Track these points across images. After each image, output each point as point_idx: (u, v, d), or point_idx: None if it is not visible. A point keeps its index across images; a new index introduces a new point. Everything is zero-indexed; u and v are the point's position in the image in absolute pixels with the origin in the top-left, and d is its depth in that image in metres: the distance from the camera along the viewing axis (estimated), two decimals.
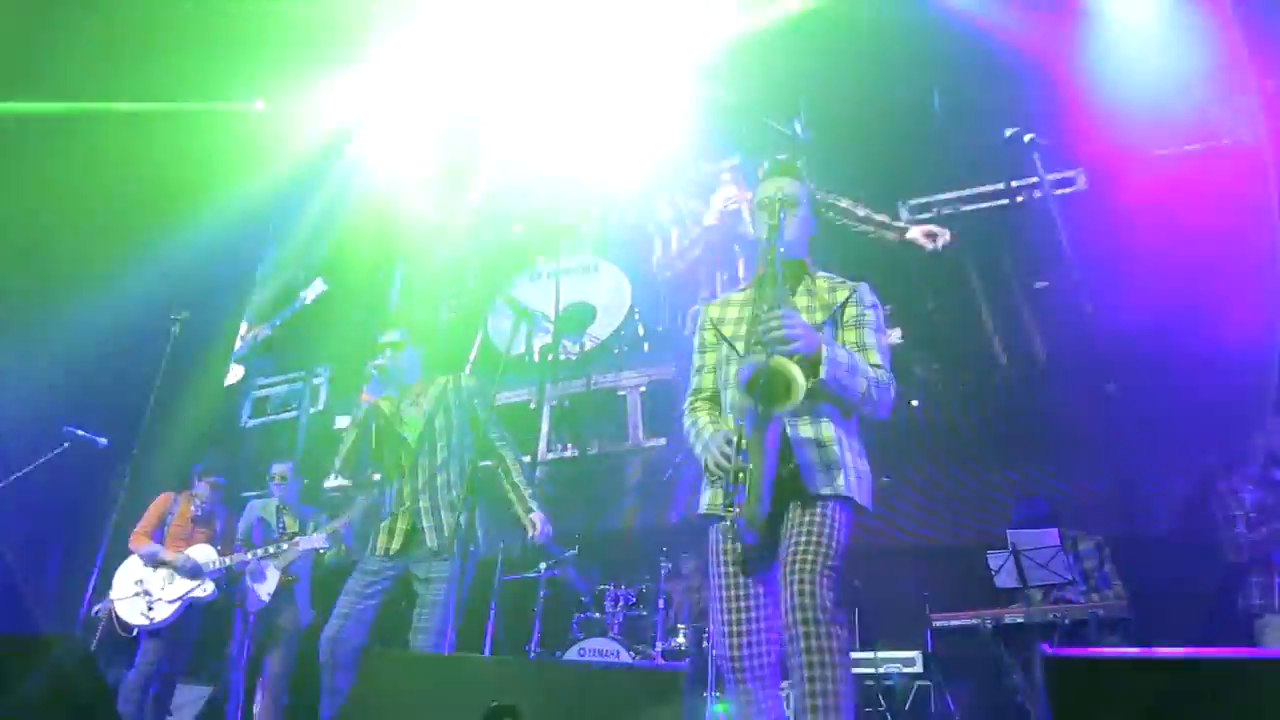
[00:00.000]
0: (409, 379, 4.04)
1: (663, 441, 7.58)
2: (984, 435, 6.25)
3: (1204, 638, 4.75)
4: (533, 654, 5.82)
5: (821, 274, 2.89)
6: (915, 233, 7.04)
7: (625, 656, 5.60)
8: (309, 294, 10.04)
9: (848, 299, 2.78)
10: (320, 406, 9.60)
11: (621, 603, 6.03)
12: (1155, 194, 6.02)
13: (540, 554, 6.32)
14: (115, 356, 6.90)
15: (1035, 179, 6.75)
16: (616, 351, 8.26)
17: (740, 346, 2.75)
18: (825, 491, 2.57)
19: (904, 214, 7.19)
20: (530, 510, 3.91)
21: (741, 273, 7.69)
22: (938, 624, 5.00)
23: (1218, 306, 5.58)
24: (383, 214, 10.02)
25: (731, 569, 2.64)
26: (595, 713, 2.09)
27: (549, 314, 8.71)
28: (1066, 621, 4.67)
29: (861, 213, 7.26)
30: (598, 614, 6.06)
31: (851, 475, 2.61)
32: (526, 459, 4.15)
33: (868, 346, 2.73)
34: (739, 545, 2.62)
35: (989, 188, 6.97)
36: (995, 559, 4.92)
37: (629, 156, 8.62)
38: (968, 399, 6.33)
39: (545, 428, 8.12)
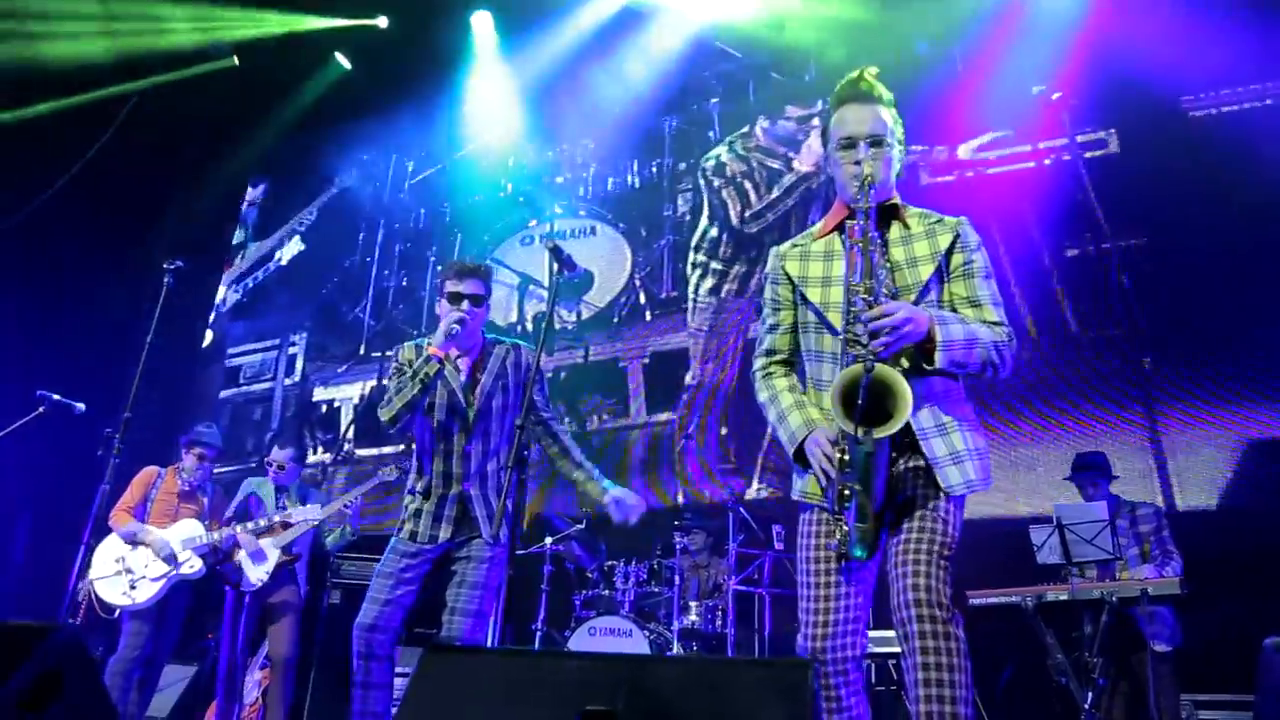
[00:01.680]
0: (472, 341, 3.60)
1: (667, 416, 7.25)
2: (1011, 410, 6.01)
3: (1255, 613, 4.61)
4: (539, 632, 5.57)
5: (913, 211, 2.54)
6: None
7: (640, 635, 5.40)
8: (285, 254, 9.56)
9: (952, 244, 2.44)
10: (295, 377, 9.16)
11: (632, 579, 5.82)
12: (1192, 157, 5.82)
13: (544, 529, 6.09)
14: (93, 316, 6.56)
15: (1064, 140, 6.45)
16: (616, 320, 7.90)
17: (833, 319, 2.42)
18: (960, 490, 2.31)
19: (924, 176, 6.93)
20: (607, 490, 3.56)
21: (793, 228, 7.39)
22: (974, 602, 4.73)
23: (1261, 276, 5.36)
24: (366, 171, 9.62)
25: (823, 560, 2.42)
26: (706, 717, 1.78)
27: (542, 280, 8.37)
28: (1114, 599, 4.42)
29: None
30: (606, 591, 5.85)
31: (975, 459, 2.34)
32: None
33: (981, 301, 2.43)
34: (830, 537, 2.40)
35: (1015, 149, 6.72)
36: (1038, 533, 4.71)
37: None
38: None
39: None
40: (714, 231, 7.81)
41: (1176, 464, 5.55)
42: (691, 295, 7.64)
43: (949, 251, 2.45)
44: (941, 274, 2.44)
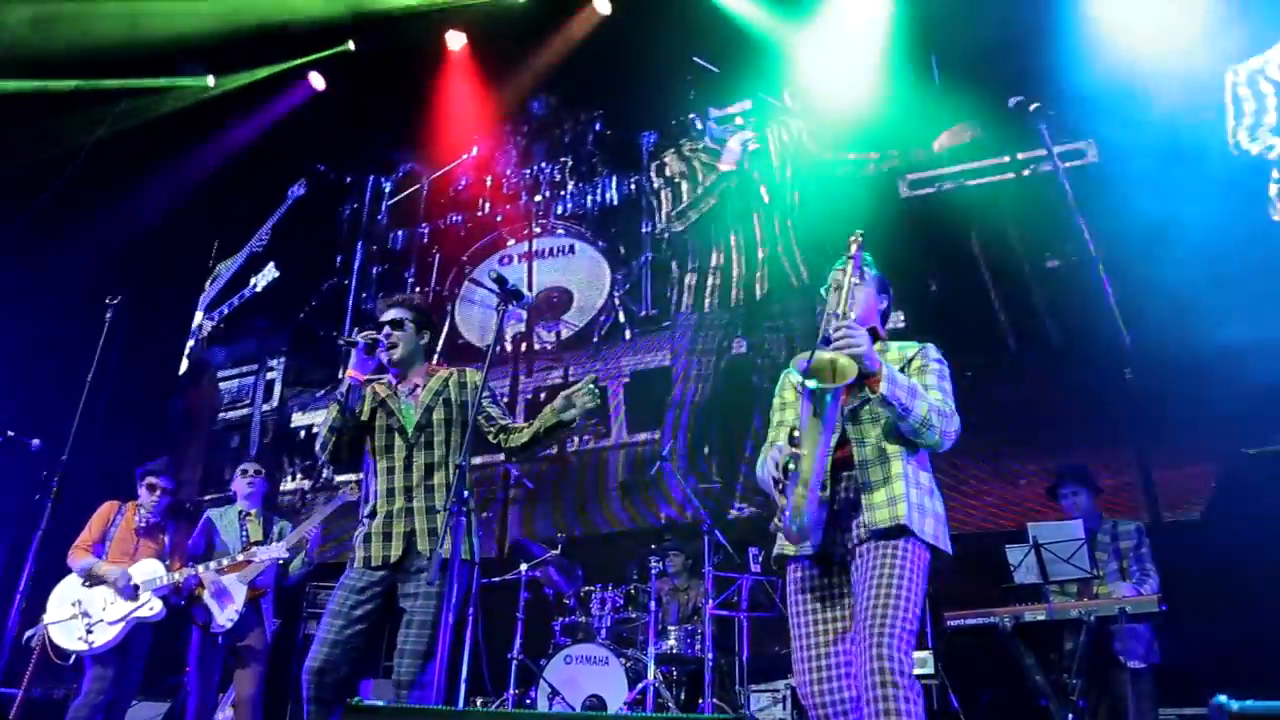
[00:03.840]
0: (405, 366, 3.66)
1: (649, 436, 7.23)
2: (993, 423, 5.97)
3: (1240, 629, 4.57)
4: (516, 661, 5.50)
5: (893, 342, 3.00)
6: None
7: (616, 663, 5.35)
8: (260, 280, 9.52)
9: (914, 354, 2.90)
10: (274, 402, 9.10)
11: (609, 605, 5.79)
12: (1173, 166, 5.82)
13: (520, 555, 6.03)
14: (52, 348, 6.49)
15: (1043, 151, 6.45)
16: (596, 340, 7.87)
17: None
18: (884, 523, 2.62)
19: (903, 189, 6.97)
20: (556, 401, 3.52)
21: (758, 234, 7.51)
22: (952, 623, 4.68)
23: (1244, 285, 5.35)
24: (338, 192, 9.61)
25: (809, 609, 2.73)
26: None
27: (497, 291, 8.31)
28: (1093, 618, 4.37)
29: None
30: (583, 617, 5.81)
31: (914, 511, 2.65)
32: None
33: (930, 386, 2.80)
34: (813, 589, 2.73)
35: (993, 160, 6.74)
36: (1015, 553, 4.68)
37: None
38: (974, 385, 6.01)
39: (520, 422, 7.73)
40: (663, 239, 7.94)
41: (1159, 476, 5.53)
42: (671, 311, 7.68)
43: (911, 359, 2.88)
44: (903, 372, 2.79)
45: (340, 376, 8.73)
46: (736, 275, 7.45)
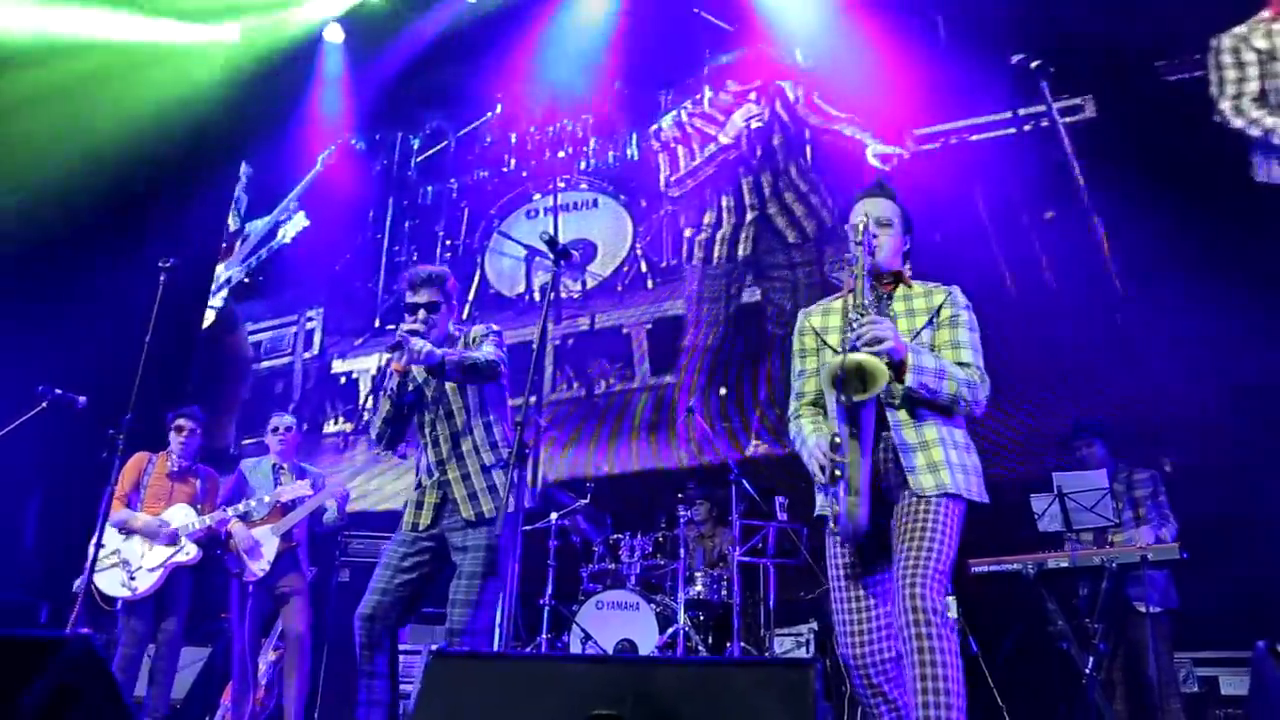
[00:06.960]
0: (440, 342, 3.61)
1: (670, 379, 7.27)
2: (995, 370, 5.97)
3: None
4: (547, 606, 5.53)
5: (917, 281, 2.95)
6: None
7: (646, 608, 5.38)
8: (289, 230, 9.49)
9: (943, 302, 2.85)
10: (314, 350, 9.18)
11: (638, 552, 5.78)
12: (1167, 122, 5.84)
13: (551, 504, 6.07)
14: (92, 312, 6.50)
15: (1043, 107, 6.45)
16: (619, 288, 7.90)
17: None
18: (931, 491, 2.59)
19: (910, 144, 6.88)
20: None
21: (748, 198, 7.52)
22: (976, 570, 4.70)
23: (1234, 235, 5.31)
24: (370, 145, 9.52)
25: (848, 571, 2.72)
26: None
27: (548, 252, 8.29)
28: (1114, 565, 4.40)
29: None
30: (612, 564, 5.81)
31: (958, 473, 2.64)
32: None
33: (960, 344, 2.78)
34: (854, 550, 2.71)
35: (996, 116, 6.69)
36: (1039, 502, 4.67)
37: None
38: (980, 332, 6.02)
39: (550, 368, 7.80)
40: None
41: (1164, 423, 5.48)
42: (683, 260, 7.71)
43: (940, 307, 2.84)
44: (933, 324, 2.83)
45: (375, 326, 8.90)
46: (723, 234, 7.47)
